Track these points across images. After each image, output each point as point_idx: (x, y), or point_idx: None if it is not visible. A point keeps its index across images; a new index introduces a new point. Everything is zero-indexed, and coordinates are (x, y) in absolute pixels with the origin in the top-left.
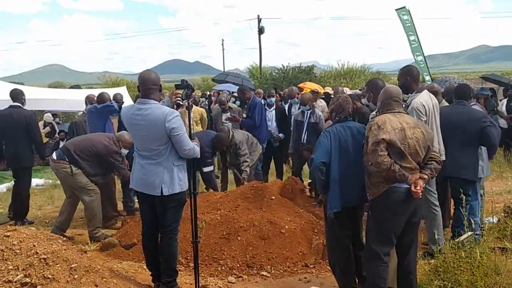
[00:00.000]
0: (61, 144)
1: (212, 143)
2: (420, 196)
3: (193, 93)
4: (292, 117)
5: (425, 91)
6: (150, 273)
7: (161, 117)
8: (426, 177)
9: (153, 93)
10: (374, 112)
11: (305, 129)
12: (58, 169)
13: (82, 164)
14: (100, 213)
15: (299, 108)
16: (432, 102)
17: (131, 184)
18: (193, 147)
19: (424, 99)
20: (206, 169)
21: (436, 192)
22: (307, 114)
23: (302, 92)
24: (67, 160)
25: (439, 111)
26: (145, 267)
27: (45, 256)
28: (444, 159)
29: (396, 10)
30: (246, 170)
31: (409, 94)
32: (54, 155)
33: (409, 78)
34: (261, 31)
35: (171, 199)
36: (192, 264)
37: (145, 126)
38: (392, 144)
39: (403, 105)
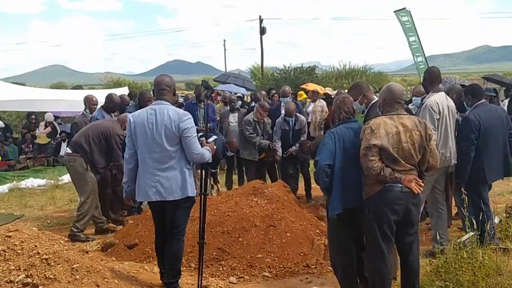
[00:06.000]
0: (63, 144)
1: (223, 146)
2: (416, 192)
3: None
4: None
5: (442, 92)
6: (160, 271)
7: (175, 117)
8: (422, 184)
9: (167, 94)
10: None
11: (291, 136)
12: (73, 162)
13: (92, 153)
14: (89, 217)
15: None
16: (449, 104)
17: (138, 197)
18: (202, 153)
19: (439, 98)
20: (213, 170)
21: (444, 191)
22: (292, 122)
23: (300, 94)
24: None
25: (455, 114)
26: (146, 267)
27: (46, 257)
28: (456, 162)
29: (395, 12)
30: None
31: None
32: (68, 149)
33: (425, 79)
34: (262, 31)
35: (183, 202)
36: (193, 265)
37: (160, 126)
38: (384, 149)
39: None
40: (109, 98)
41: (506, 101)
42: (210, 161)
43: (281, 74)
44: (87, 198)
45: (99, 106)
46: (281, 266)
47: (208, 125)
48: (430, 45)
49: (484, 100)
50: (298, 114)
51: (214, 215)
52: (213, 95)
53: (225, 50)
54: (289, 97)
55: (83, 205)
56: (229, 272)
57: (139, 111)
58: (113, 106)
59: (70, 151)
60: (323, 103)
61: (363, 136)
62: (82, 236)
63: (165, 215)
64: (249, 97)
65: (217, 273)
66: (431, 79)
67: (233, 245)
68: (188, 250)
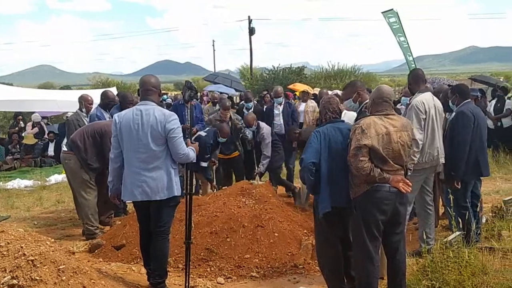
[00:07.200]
0: (51, 145)
1: (214, 135)
2: (404, 192)
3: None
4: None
5: (429, 92)
6: (147, 271)
7: (161, 118)
8: (410, 184)
9: (152, 95)
10: (352, 112)
11: (254, 148)
12: (69, 160)
13: (86, 152)
14: (93, 212)
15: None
16: (435, 104)
17: (124, 196)
18: (188, 153)
19: (425, 98)
20: (203, 164)
21: (432, 191)
22: (253, 133)
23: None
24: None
25: (442, 114)
26: (133, 268)
27: (32, 258)
28: (444, 162)
29: (383, 12)
30: (263, 165)
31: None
32: (64, 147)
33: (410, 80)
34: (251, 32)
35: (168, 201)
36: (181, 265)
37: (146, 126)
38: (374, 150)
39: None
40: (104, 94)
41: (493, 102)
42: (195, 161)
43: (270, 74)
44: (85, 195)
45: (94, 105)
46: (269, 266)
47: (196, 127)
48: (418, 46)
49: (470, 100)
50: (261, 124)
51: (202, 216)
52: (198, 94)
53: (214, 50)
54: (281, 97)
55: (83, 202)
56: (217, 273)
57: (124, 111)
58: (108, 102)
59: (66, 149)
60: (315, 103)
61: (353, 136)
62: (98, 231)
63: (150, 215)
64: (238, 97)
65: (205, 274)
66: (416, 80)
67: (221, 246)
68: (176, 251)
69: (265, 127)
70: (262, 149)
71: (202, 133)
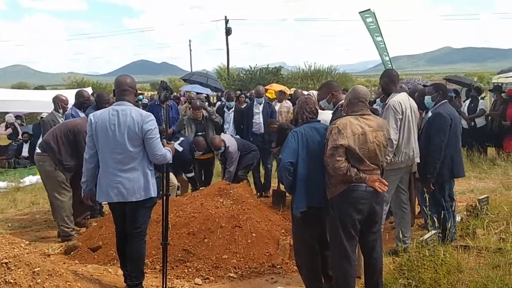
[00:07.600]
0: (25, 146)
1: (191, 149)
2: (380, 191)
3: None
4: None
5: (404, 92)
6: (123, 273)
7: (138, 118)
8: (386, 183)
9: (128, 95)
10: (329, 112)
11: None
12: (44, 162)
13: (60, 152)
14: (68, 214)
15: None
16: (411, 104)
17: (99, 198)
18: (165, 154)
19: (401, 98)
20: (189, 175)
21: (407, 191)
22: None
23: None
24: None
25: (417, 114)
26: (110, 270)
27: (6, 261)
28: (419, 161)
29: (360, 13)
30: (228, 177)
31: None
32: (38, 149)
33: (386, 80)
34: (228, 32)
35: (144, 202)
36: (158, 267)
37: (122, 127)
38: (351, 149)
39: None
40: (79, 93)
41: (467, 102)
42: (171, 161)
43: (247, 74)
44: (60, 197)
45: (69, 105)
46: (246, 266)
47: (173, 127)
48: (393, 47)
49: (447, 100)
50: (227, 143)
51: (180, 217)
52: (173, 95)
53: (190, 50)
54: (263, 97)
55: (58, 204)
56: (195, 274)
57: (100, 111)
58: (83, 101)
59: (40, 151)
60: (289, 103)
61: (330, 136)
62: (74, 233)
63: (126, 216)
64: (215, 97)
65: (182, 275)
66: (393, 79)
67: (198, 246)
68: (153, 252)
69: (231, 145)
70: (227, 165)
71: (178, 148)
